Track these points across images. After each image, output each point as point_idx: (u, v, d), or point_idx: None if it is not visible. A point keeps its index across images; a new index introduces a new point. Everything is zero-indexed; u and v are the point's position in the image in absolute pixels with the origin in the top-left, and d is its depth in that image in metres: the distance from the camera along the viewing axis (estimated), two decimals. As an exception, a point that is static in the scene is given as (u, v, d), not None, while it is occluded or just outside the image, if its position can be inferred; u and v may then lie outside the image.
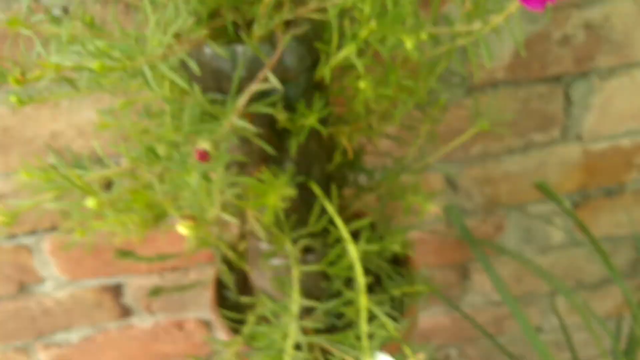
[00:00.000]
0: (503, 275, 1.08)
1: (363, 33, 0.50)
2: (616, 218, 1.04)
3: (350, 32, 0.51)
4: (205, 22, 0.51)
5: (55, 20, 0.52)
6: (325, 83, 0.53)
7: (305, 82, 0.53)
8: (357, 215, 0.67)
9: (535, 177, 0.94)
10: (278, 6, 0.53)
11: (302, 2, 0.54)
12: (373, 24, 0.49)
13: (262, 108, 0.48)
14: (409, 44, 0.41)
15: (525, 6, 0.42)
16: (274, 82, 0.46)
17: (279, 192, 0.45)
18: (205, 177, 0.42)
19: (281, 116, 0.49)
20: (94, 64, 0.37)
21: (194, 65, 0.44)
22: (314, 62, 0.53)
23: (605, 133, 0.91)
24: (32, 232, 0.89)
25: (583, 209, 1.01)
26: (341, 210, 0.61)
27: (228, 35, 0.54)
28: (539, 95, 0.85)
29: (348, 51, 0.51)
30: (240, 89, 0.50)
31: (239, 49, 0.49)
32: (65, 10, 0.71)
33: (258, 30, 0.48)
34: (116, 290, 1.00)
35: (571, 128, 0.90)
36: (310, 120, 0.50)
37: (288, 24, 0.53)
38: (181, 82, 0.42)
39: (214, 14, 0.53)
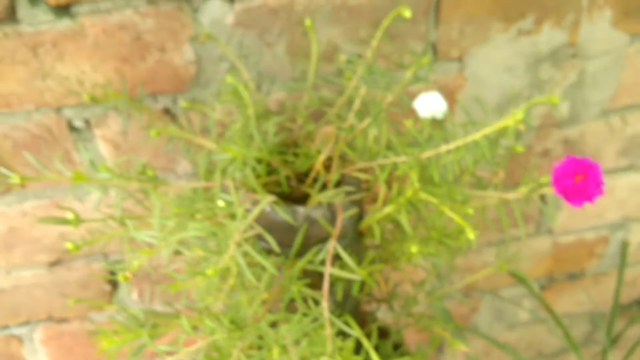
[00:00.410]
0: (475, 349, 1.16)
1: (408, 193, 0.54)
2: (576, 298, 1.14)
3: (396, 190, 0.55)
4: (264, 178, 0.55)
5: (117, 175, 0.54)
6: (368, 231, 0.58)
7: (353, 233, 0.57)
8: (380, 332, 0.71)
9: (510, 266, 1.02)
10: (325, 161, 0.57)
11: (348, 160, 0.58)
12: (417, 185, 0.54)
13: (319, 267, 0.51)
14: (471, 235, 0.46)
15: (567, 202, 0.48)
16: (339, 250, 0.50)
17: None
18: (284, 350, 0.46)
19: (335, 272, 0.53)
20: (209, 271, 0.40)
21: (274, 245, 0.47)
22: (360, 216, 0.57)
23: (573, 228, 1.00)
24: (26, 322, 0.88)
25: (548, 291, 1.10)
26: (362, 324, 0.66)
27: (281, 186, 0.57)
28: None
29: (392, 208, 0.55)
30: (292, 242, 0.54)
31: (300, 210, 0.53)
32: (87, 122, 0.71)
33: (317, 198, 0.52)
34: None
35: (543, 224, 0.98)
36: (361, 273, 0.54)
37: (337, 182, 0.57)
38: (268, 265, 0.46)
39: (270, 170, 0.57)
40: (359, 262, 0.56)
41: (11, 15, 0.62)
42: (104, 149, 0.74)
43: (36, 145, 0.72)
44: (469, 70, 0.77)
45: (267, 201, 0.47)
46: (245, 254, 0.47)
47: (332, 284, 0.58)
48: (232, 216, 0.50)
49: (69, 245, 0.54)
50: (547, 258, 1.04)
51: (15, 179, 0.51)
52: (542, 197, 0.94)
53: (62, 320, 0.89)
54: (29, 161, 0.73)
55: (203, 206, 0.51)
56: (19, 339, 0.90)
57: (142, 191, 0.55)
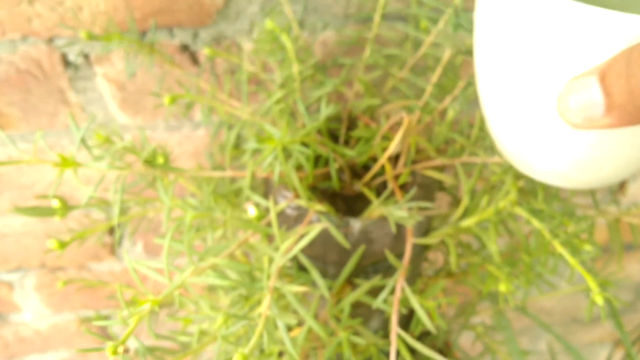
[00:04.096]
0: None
1: (500, 205, 0.41)
2: (626, 269, 1.04)
3: (486, 200, 0.42)
4: (310, 171, 0.41)
5: (114, 164, 0.40)
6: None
7: (417, 252, 0.44)
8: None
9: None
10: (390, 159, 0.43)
11: (420, 150, 0.44)
12: (514, 197, 0.40)
13: (379, 304, 0.39)
14: (599, 299, 0.34)
15: None
16: (407, 291, 0.38)
17: None
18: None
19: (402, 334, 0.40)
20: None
21: (319, 280, 0.35)
22: (427, 230, 0.44)
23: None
24: (17, 269, 0.78)
25: (599, 260, 1.00)
26: None
27: (330, 179, 0.44)
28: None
29: (474, 222, 0.42)
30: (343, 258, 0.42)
31: (355, 224, 0.40)
32: (86, 56, 0.57)
33: (379, 210, 0.39)
34: (107, 317, 0.91)
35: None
36: (428, 307, 0.41)
37: (403, 185, 0.43)
38: (317, 327, 0.33)
39: (316, 156, 0.43)
40: (422, 286, 0.44)
41: None
42: (106, 90, 0.60)
43: (23, 82, 0.58)
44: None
45: (314, 212, 0.35)
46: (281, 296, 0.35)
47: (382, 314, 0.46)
48: (265, 234, 0.37)
49: (54, 245, 0.42)
50: (606, 228, 0.92)
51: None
52: None
53: (57, 269, 0.79)
54: (15, 100, 0.59)
55: (228, 212, 0.38)
56: (9, 285, 0.80)
57: (147, 180, 0.42)
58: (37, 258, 0.77)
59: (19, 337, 0.89)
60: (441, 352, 0.60)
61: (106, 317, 0.91)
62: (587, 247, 0.38)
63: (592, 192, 0.46)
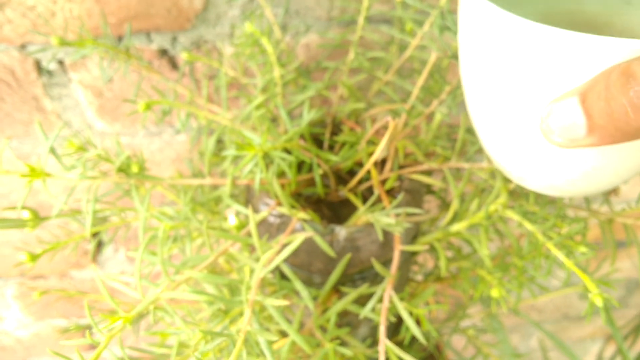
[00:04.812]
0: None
1: (491, 208, 0.40)
2: (617, 265, 1.04)
3: (476, 204, 0.41)
4: (292, 178, 0.40)
5: (86, 174, 0.39)
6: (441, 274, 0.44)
7: (405, 258, 0.43)
8: None
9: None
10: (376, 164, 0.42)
11: (407, 153, 0.43)
12: (504, 200, 0.39)
13: (369, 314, 0.38)
14: (598, 301, 0.33)
15: None
16: (395, 301, 0.36)
17: None
18: None
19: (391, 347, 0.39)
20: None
21: (303, 292, 0.33)
22: (415, 235, 0.43)
23: (631, 197, 0.87)
24: (-4, 279, 0.76)
25: (592, 258, 0.99)
26: None
27: (315, 185, 0.43)
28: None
29: (465, 226, 0.41)
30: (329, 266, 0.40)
31: (341, 232, 0.39)
32: (61, 62, 0.55)
33: (365, 217, 0.38)
34: (87, 326, 0.89)
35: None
36: (417, 315, 0.40)
37: (390, 190, 0.42)
38: (299, 341, 0.32)
39: (299, 162, 0.42)
40: (412, 290, 0.42)
41: None
42: (82, 96, 0.58)
43: (-5, 89, 0.56)
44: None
45: (297, 220, 0.33)
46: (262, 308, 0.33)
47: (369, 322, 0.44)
48: (246, 243, 0.36)
49: (26, 258, 0.40)
50: (597, 226, 0.92)
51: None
52: None
53: (38, 277, 0.77)
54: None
55: (205, 222, 0.36)
56: (-11, 295, 0.78)
57: (122, 190, 0.41)
58: (17, 268, 0.75)
59: (1, 346, 0.87)
60: (432, 355, 0.59)
61: (86, 327, 0.89)
62: (582, 249, 0.37)
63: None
